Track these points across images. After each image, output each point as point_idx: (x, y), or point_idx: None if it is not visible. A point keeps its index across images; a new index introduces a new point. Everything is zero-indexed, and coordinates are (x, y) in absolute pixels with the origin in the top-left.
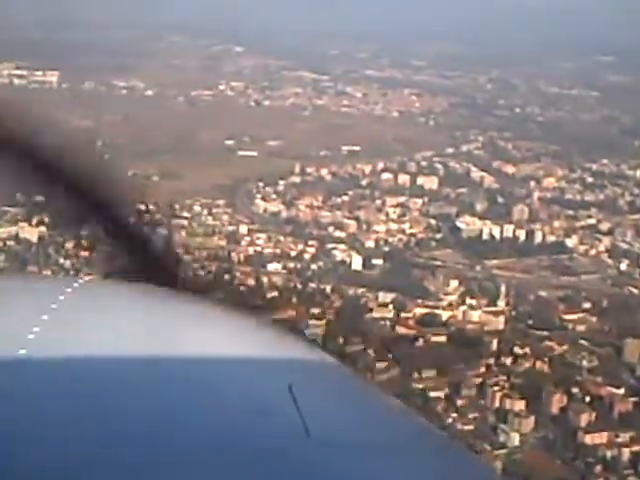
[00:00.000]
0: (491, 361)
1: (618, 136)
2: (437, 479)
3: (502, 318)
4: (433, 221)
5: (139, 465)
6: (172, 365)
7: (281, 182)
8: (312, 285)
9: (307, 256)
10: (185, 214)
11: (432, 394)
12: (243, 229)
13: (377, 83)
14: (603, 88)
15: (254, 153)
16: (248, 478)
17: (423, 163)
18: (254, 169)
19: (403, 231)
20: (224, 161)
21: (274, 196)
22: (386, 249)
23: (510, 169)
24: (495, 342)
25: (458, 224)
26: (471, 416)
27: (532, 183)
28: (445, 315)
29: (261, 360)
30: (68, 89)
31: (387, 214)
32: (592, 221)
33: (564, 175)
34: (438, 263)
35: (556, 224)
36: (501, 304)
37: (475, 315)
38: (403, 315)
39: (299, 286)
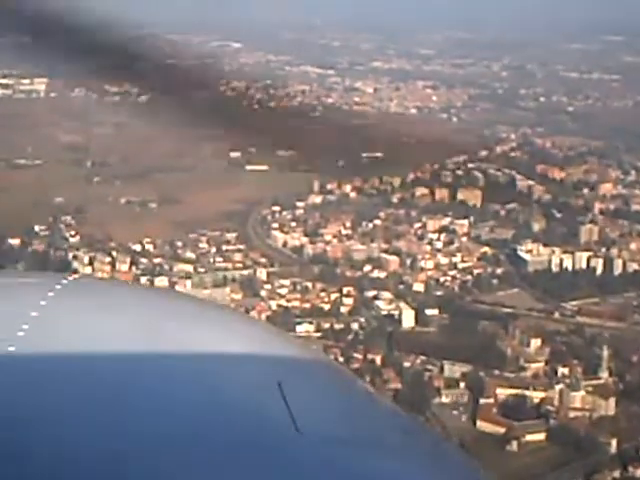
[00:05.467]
0: (616, 474)
1: None
2: (425, 474)
3: (612, 400)
4: (488, 249)
5: (128, 459)
6: (162, 362)
7: (299, 204)
8: (357, 355)
9: (344, 310)
10: (189, 254)
11: None
12: (261, 274)
13: (387, 76)
14: (622, 70)
15: (264, 167)
16: (238, 473)
17: (458, 172)
18: (266, 188)
19: (455, 266)
20: (231, 179)
21: (293, 224)
22: (439, 293)
23: (557, 174)
24: (614, 442)
25: (520, 253)
26: None
27: (586, 190)
28: (536, 396)
29: (250, 357)
30: (56, 98)
31: (431, 242)
32: None
33: (618, 178)
34: (507, 310)
35: (632, 246)
36: (603, 374)
37: (577, 397)
38: (482, 401)
39: (340, 357)
